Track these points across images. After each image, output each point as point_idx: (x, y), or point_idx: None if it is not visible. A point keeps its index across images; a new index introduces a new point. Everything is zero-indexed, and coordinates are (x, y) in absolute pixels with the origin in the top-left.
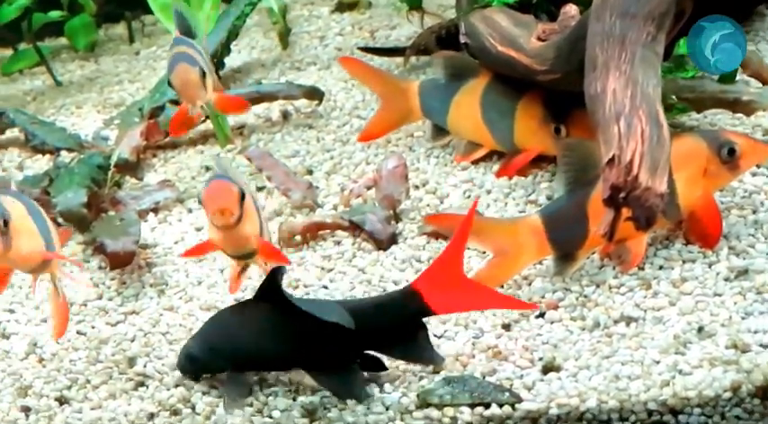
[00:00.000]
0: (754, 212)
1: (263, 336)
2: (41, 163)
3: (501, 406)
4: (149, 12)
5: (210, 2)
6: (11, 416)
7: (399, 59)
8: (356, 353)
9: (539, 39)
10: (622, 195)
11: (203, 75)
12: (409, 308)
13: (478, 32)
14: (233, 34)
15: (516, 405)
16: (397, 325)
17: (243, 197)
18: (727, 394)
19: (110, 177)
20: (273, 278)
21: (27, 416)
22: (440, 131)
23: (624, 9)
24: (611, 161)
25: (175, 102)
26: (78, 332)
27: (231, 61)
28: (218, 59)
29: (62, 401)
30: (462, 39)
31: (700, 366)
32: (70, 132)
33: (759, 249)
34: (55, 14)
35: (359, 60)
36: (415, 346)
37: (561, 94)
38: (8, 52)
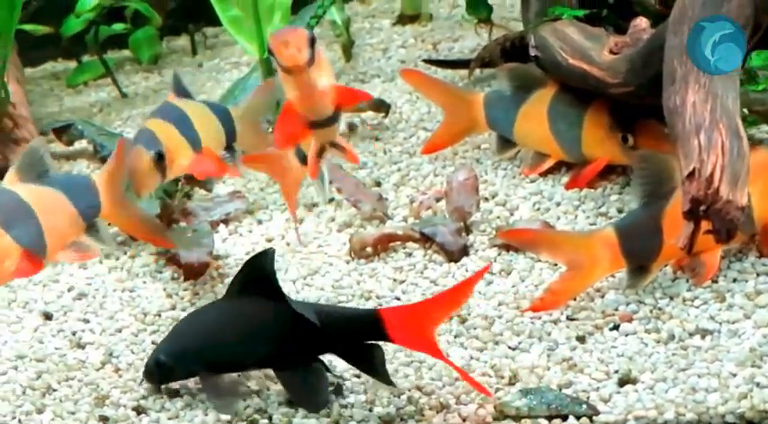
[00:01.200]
0: None
1: (239, 335)
2: None
3: (578, 418)
4: (211, 24)
5: (280, 14)
6: None
7: (464, 72)
8: (318, 352)
9: (610, 52)
10: (703, 208)
11: (160, 157)
12: (369, 329)
13: (549, 45)
14: None
15: (594, 417)
16: (356, 339)
17: (314, 41)
18: None
19: (180, 188)
20: (261, 263)
21: None
22: (505, 143)
23: None
24: (692, 174)
25: None
26: (153, 342)
27: None
28: None
29: (139, 410)
30: (532, 52)
31: None
32: None
33: None
34: (119, 27)
35: (421, 72)
36: (373, 364)
37: (627, 104)
38: (72, 64)
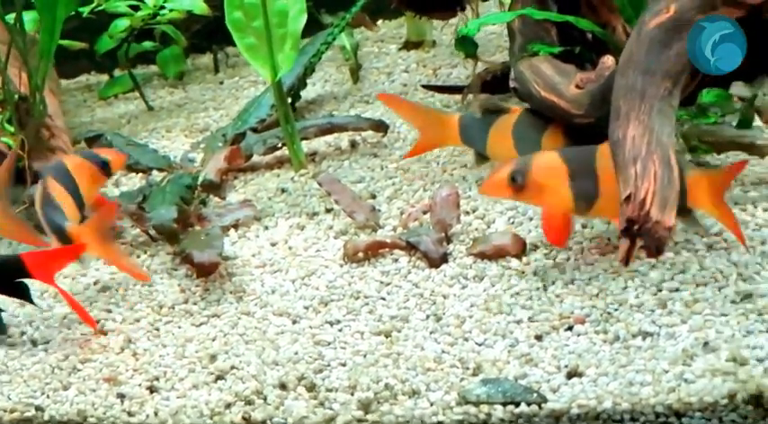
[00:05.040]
0: (763, 243)
1: None
2: (135, 181)
3: (529, 405)
4: (233, 44)
5: (290, 43)
6: (108, 401)
7: (458, 97)
8: None
9: (577, 86)
10: (636, 227)
11: None
12: (15, 269)
13: (525, 79)
14: (309, 70)
15: (542, 405)
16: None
17: None
18: (725, 401)
19: (196, 196)
20: None
21: (122, 402)
22: (482, 158)
23: (645, 67)
24: (628, 198)
25: (255, 130)
26: (167, 331)
27: (306, 94)
28: (294, 92)
29: (152, 389)
30: (511, 84)
31: (702, 376)
32: (161, 153)
33: (764, 276)
34: (148, 45)
35: (396, 96)
36: (22, 293)
37: (580, 130)
38: (104, 77)
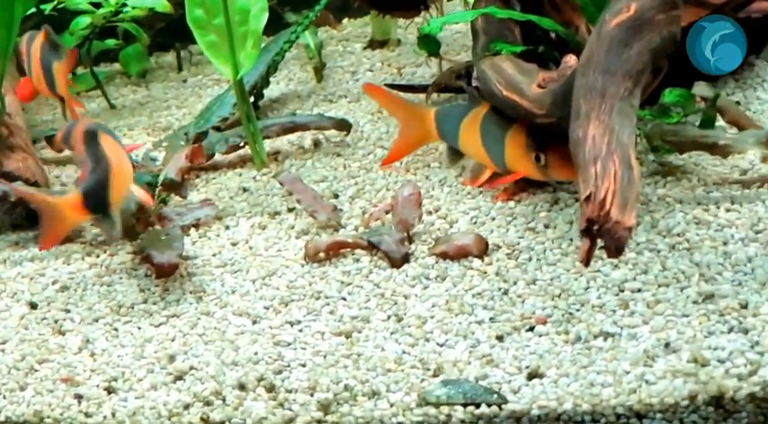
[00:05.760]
0: (725, 244)
1: None
2: None
3: (489, 406)
4: (197, 42)
5: (251, 41)
6: (65, 402)
7: (422, 95)
8: None
9: (539, 86)
10: (596, 227)
11: None
12: None
13: (488, 78)
14: (272, 68)
15: (503, 406)
16: None
17: None
18: (686, 402)
19: (157, 194)
20: None
21: (79, 402)
22: (455, 154)
23: (606, 67)
24: (588, 197)
25: (218, 129)
26: (126, 331)
27: (270, 92)
28: (257, 91)
29: (110, 390)
30: (474, 83)
31: (664, 377)
32: None
33: (726, 276)
34: (110, 43)
35: (381, 87)
36: None
37: (543, 128)
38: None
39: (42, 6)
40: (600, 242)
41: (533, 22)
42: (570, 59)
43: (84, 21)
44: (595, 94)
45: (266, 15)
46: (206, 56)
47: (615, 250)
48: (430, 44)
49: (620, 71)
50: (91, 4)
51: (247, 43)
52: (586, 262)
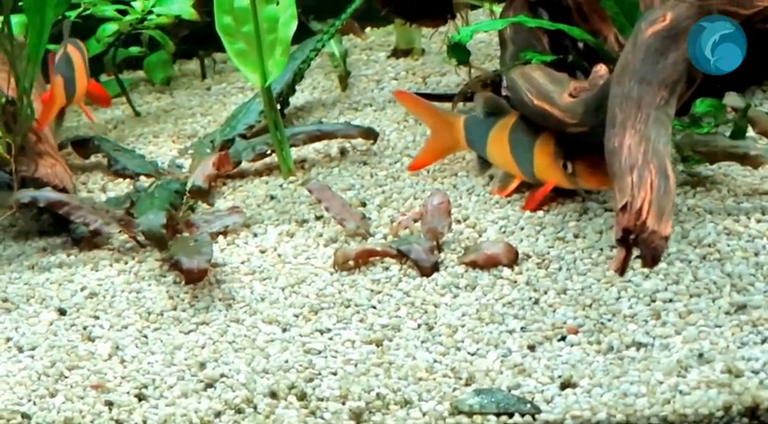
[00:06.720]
0: (756, 254)
1: None
2: (122, 187)
3: (523, 416)
4: (221, 50)
5: (280, 49)
6: (96, 409)
7: (448, 104)
8: None
9: (570, 95)
10: (632, 237)
11: None
12: None
13: (518, 87)
14: (298, 76)
15: (536, 415)
16: None
17: None
18: (720, 413)
19: (185, 202)
20: None
21: (110, 409)
22: (484, 163)
23: (642, 76)
24: (624, 207)
25: (243, 136)
26: (156, 338)
27: (295, 100)
28: (283, 99)
29: (141, 397)
30: (504, 92)
31: (698, 387)
32: (148, 159)
33: (758, 287)
34: (135, 50)
35: (412, 94)
36: None
37: (571, 137)
38: None
39: (68, 13)
40: (635, 252)
41: (562, 32)
42: (601, 69)
43: (111, 28)
44: (631, 103)
45: (295, 23)
46: (230, 64)
47: (651, 259)
48: (460, 52)
49: (656, 80)
50: (117, 11)
51: (276, 51)
52: (621, 271)
